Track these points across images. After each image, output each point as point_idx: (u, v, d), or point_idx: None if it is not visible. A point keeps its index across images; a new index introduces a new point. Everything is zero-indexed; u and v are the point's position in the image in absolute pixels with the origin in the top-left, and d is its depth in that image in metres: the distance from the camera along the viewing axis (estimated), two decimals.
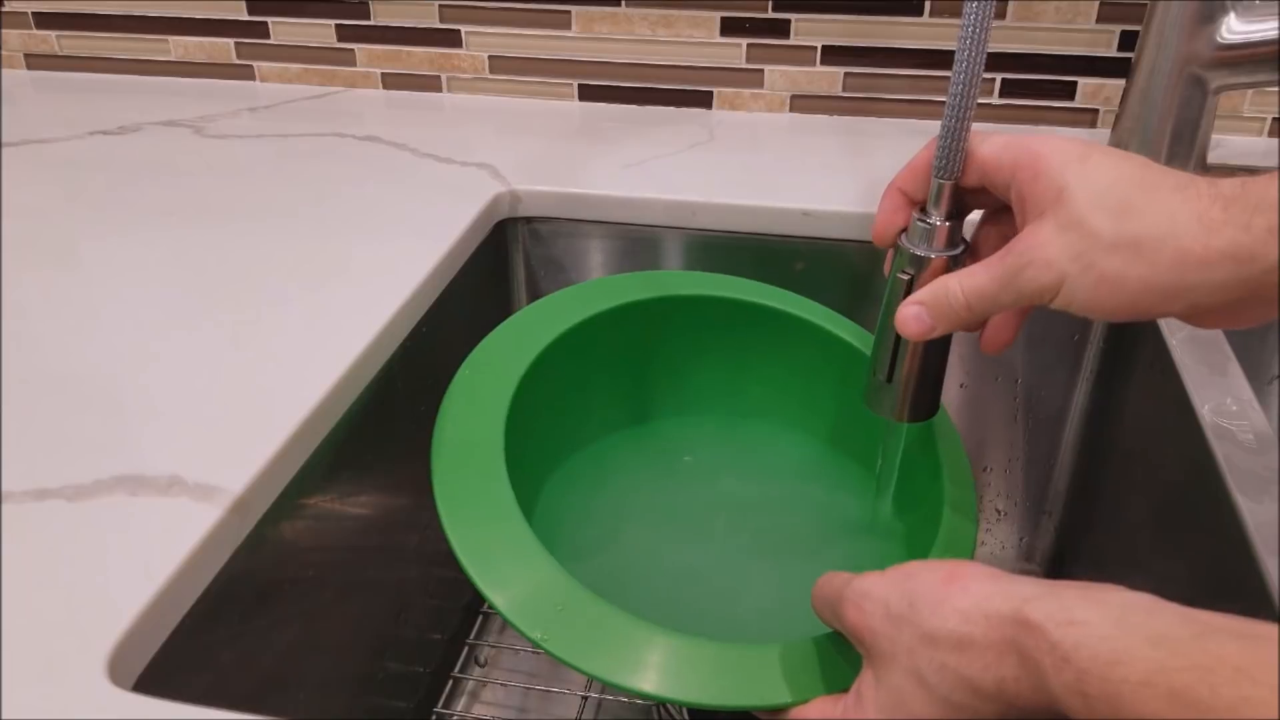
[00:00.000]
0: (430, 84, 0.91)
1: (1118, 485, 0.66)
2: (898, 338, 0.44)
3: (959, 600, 0.32)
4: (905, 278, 0.43)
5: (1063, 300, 0.38)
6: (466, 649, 0.73)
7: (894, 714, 0.34)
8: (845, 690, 0.38)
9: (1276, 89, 0.34)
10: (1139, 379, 0.64)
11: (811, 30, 0.82)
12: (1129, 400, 0.65)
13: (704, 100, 0.87)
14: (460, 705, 0.70)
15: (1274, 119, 0.79)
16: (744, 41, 0.83)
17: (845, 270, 0.68)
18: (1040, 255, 0.37)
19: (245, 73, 0.94)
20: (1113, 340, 0.69)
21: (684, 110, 0.87)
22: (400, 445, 0.58)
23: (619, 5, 0.83)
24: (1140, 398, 0.63)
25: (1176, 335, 0.58)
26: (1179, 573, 0.53)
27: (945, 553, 0.48)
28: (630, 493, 0.59)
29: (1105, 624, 0.27)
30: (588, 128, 0.83)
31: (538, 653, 0.72)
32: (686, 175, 0.73)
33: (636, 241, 0.72)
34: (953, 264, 0.43)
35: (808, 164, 0.75)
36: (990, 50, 0.78)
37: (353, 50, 0.91)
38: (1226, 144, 0.78)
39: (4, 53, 0.97)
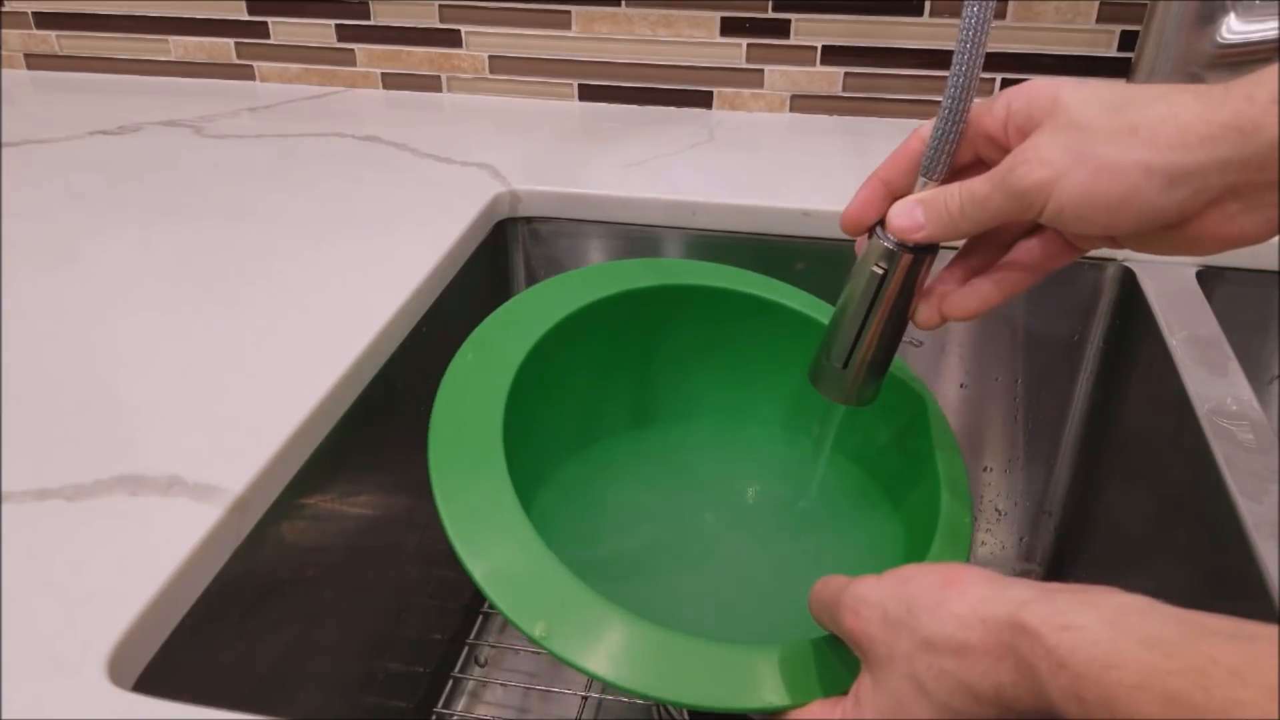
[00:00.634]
0: (430, 84, 0.91)
1: (1118, 485, 0.66)
2: (860, 327, 0.44)
3: (956, 605, 0.32)
4: (880, 272, 0.43)
5: (1056, 200, 0.36)
6: (466, 649, 0.73)
7: (893, 718, 0.34)
8: (843, 693, 0.38)
9: (1269, 95, 0.33)
10: (1139, 379, 0.64)
11: (811, 30, 0.82)
12: (1129, 400, 0.65)
13: (704, 100, 0.87)
14: (460, 705, 0.70)
15: None
16: (744, 41, 0.83)
17: (845, 270, 0.68)
18: (1033, 154, 0.36)
19: (245, 73, 0.94)
20: (1113, 340, 0.69)
21: (684, 110, 0.87)
22: (400, 445, 0.58)
23: (619, 5, 0.83)
24: (1140, 398, 0.63)
25: (1177, 335, 0.58)
26: (1179, 573, 0.53)
27: (942, 551, 0.48)
28: (629, 494, 0.59)
29: (1100, 627, 0.27)
30: (588, 128, 0.83)
31: (538, 653, 0.72)
32: (686, 175, 0.73)
33: (637, 241, 0.72)
34: (927, 262, 0.43)
35: (808, 164, 0.75)
36: (990, 50, 0.78)
37: (353, 50, 0.91)
38: None
39: (4, 53, 0.97)
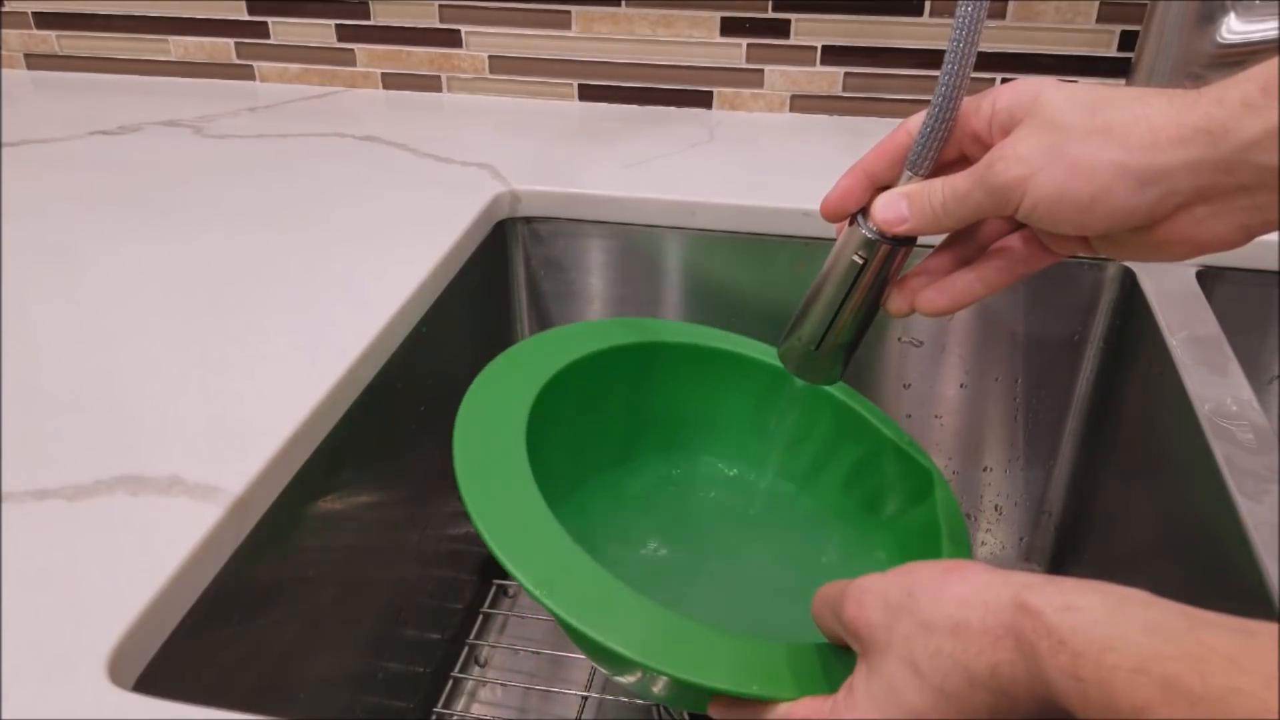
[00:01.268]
0: (430, 84, 0.91)
1: (1118, 485, 0.66)
2: (835, 312, 0.45)
3: (957, 587, 0.32)
4: (859, 261, 0.43)
5: (1031, 197, 0.36)
6: (466, 649, 0.73)
7: (885, 704, 0.34)
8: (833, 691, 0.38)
9: (1254, 92, 0.33)
10: (1139, 379, 0.64)
11: (811, 30, 0.82)
12: (1129, 400, 0.65)
13: (704, 100, 0.87)
14: (460, 705, 0.70)
15: None
16: (744, 41, 0.83)
17: None
18: (1011, 151, 0.37)
19: (245, 73, 0.94)
20: (1113, 340, 0.69)
21: (684, 110, 0.87)
22: (400, 445, 0.58)
23: (619, 5, 0.83)
24: (1140, 398, 0.63)
25: (1177, 335, 0.58)
26: (1179, 573, 0.53)
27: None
28: (622, 533, 0.60)
29: (1102, 610, 0.28)
30: (588, 128, 0.83)
31: (538, 653, 0.72)
32: (686, 175, 0.73)
33: (636, 241, 0.72)
34: (903, 253, 0.43)
35: (808, 164, 0.75)
36: (990, 50, 0.79)
37: (353, 50, 0.91)
38: None
39: (4, 53, 0.97)
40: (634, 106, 0.88)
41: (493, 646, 0.74)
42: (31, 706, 0.33)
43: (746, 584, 0.58)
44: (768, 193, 0.70)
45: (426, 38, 0.88)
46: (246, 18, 0.91)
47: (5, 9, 0.94)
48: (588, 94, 0.88)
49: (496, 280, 0.73)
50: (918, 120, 0.41)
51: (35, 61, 0.97)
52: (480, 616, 0.75)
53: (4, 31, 0.96)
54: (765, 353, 0.61)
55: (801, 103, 0.85)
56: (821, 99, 0.84)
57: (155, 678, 0.37)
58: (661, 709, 0.63)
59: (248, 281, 0.58)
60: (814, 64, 0.83)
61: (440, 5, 0.87)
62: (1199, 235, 0.36)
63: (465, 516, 0.43)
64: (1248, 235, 0.35)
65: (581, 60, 0.87)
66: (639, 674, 0.42)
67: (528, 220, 0.73)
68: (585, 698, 0.66)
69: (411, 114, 0.87)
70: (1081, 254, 0.41)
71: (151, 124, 0.84)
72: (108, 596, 0.37)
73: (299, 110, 0.87)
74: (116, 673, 0.35)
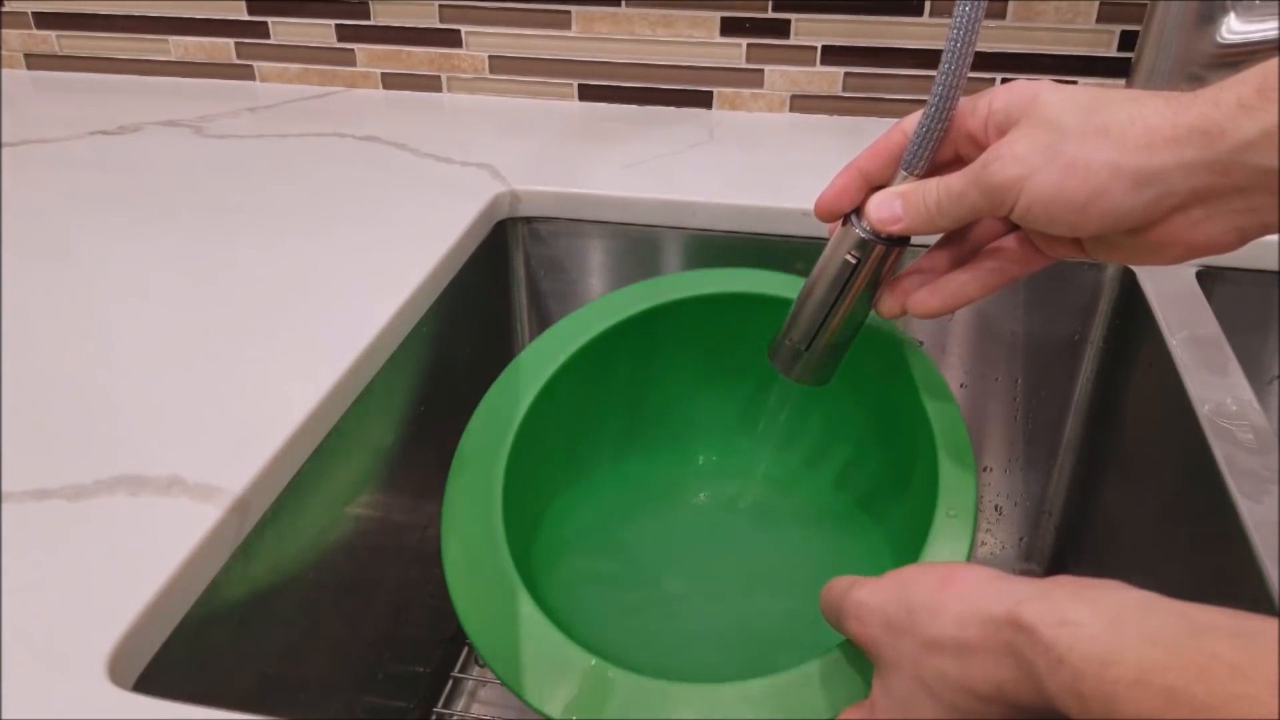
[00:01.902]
0: (430, 84, 0.91)
1: (1118, 485, 0.66)
2: (828, 312, 0.45)
3: (955, 606, 0.32)
4: (853, 260, 0.43)
5: (1026, 197, 0.36)
6: (466, 649, 0.73)
7: (904, 717, 0.34)
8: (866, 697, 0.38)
9: (1250, 93, 0.33)
10: (1139, 379, 0.64)
11: (811, 30, 0.82)
12: (1129, 400, 0.65)
13: (704, 100, 0.87)
14: (460, 705, 0.70)
15: None
16: (744, 41, 0.83)
17: None
18: (1007, 151, 0.37)
19: (245, 73, 0.94)
20: (1113, 340, 0.69)
21: (684, 110, 0.87)
22: (400, 445, 0.58)
23: (619, 5, 0.83)
24: (1140, 398, 0.63)
25: (1177, 335, 0.58)
26: (1179, 573, 0.53)
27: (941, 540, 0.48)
28: (634, 521, 0.60)
29: (1098, 624, 0.27)
30: (588, 128, 0.83)
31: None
32: (686, 175, 0.73)
33: (636, 241, 0.72)
34: (897, 253, 0.43)
35: (808, 164, 0.75)
36: (990, 50, 0.79)
37: (353, 50, 0.91)
38: None
39: (4, 53, 0.97)
40: (634, 106, 0.87)
41: None
42: (31, 706, 0.33)
43: (748, 577, 0.58)
44: (768, 193, 0.70)
45: (426, 38, 0.88)
46: (246, 18, 0.91)
47: (5, 9, 0.94)
48: (588, 94, 0.88)
49: (496, 280, 0.73)
50: (913, 120, 0.41)
51: (35, 61, 0.97)
52: None
53: (4, 31, 0.96)
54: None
55: (801, 103, 0.85)
56: (821, 99, 0.84)
57: (155, 678, 0.37)
58: None
59: (247, 281, 0.58)
60: (814, 64, 0.83)
61: (440, 5, 0.86)
62: (1194, 237, 0.36)
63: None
64: (1242, 238, 0.35)
65: (581, 60, 0.87)
66: None
67: (528, 220, 0.73)
68: None
69: (411, 114, 0.87)
70: (1074, 257, 0.41)
71: (151, 124, 0.84)
72: (108, 596, 0.37)
73: (299, 110, 0.87)
74: (116, 673, 0.35)
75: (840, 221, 0.44)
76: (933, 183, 0.40)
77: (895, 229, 0.41)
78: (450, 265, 0.62)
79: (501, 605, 0.44)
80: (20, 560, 0.39)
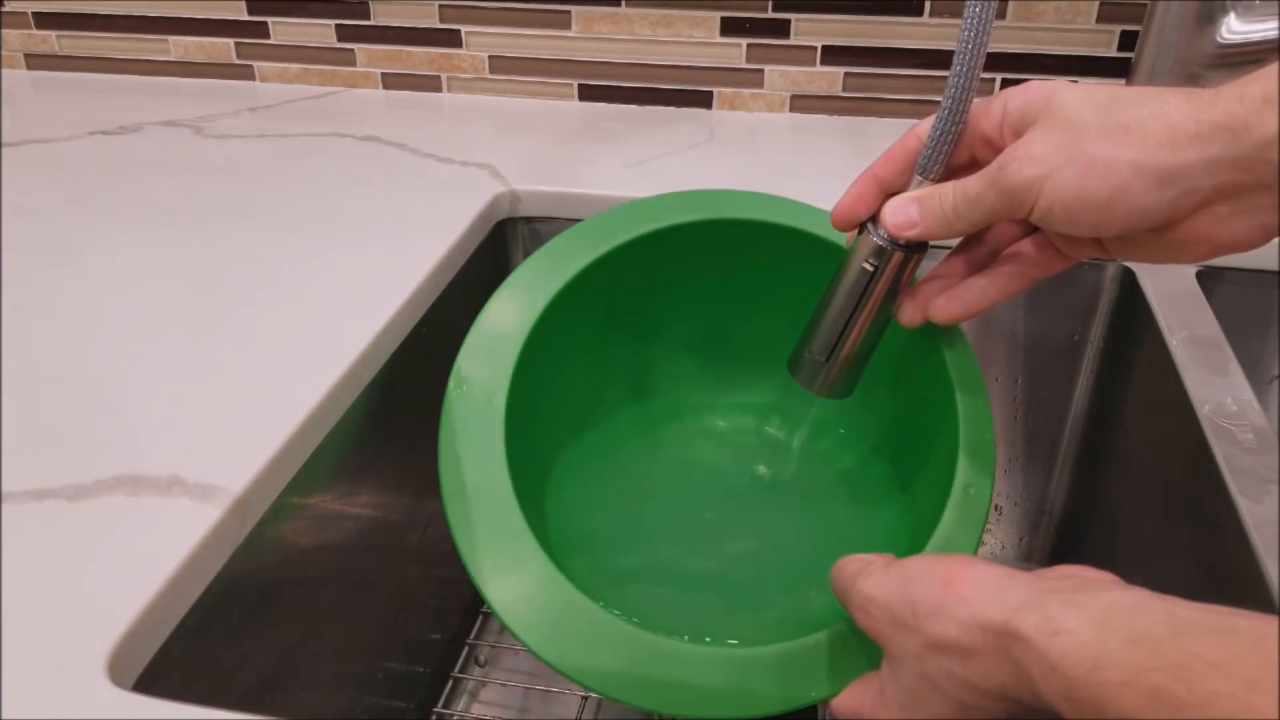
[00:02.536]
0: (430, 84, 0.91)
1: (1118, 485, 0.66)
2: (846, 322, 0.44)
3: (957, 610, 0.33)
4: (870, 268, 0.43)
5: (1046, 197, 0.36)
6: (466, 649, 0.73)
7: (911, 711, 0.35)
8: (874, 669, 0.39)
9: (1276, 89, 0.33)
10: (1139, 379, 0.64)
11: (811, 30, 0.82)
12: (1129, 400, 0.65)
13: (704, 100, 0.87)
14: (460, 705, 0.70)
15: None
16: (744, 41, 0.83)
17: None
18: (1025, 152, 0.36)
19: (245, 73, 0.94)
20: (1113, 340, 0.69)
21: (684, 110, 0.87)
22: (400, 445, 0.58)
23: (619, 5, 0.83)
24: (1140, 398, 0.63)
25: (1177, 335, 0.58)
26: (1179, 573, 0.53)
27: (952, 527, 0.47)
28: (638, 476, 0.58)
29: (1088, 630, 0.28)
30: (588, 128, 0.83)
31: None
32: (686, 175, 0.73)
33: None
34: (915, 260, 0.43)
35: (808, 164, 0.75)
36: (990, 50, 0.78)
37: (353, 50, 0.91)
38: None
39: (4, 53, 0.97)
40: (634, 106, 0.88)
41: (493, 646, 0.74)
42: (31, 706, 0.33)
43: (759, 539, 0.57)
44: (768, 193, 0.70)
45: (426, 38, 0.88)
46: (246, 18, 0.91)
47: (5, 9, 0.94)
48: (588, 94, 0.88)
49: (496, 280, 0.73)
50: (927, 125, 0.40)
51: (35, 61, 0.97)
52: (480, 616, 0.75)
53: (4, 31, 0.96)
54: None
55: (801, 103, 0.85)
56: (821, 99, 0.84)
57: (155, 678, 0.37)
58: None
59: (248, 281, 0.58)
60: (814, 64, 0.83)
61: (440, 5, 0.87)
62: (1218, 235, 0.35)
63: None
64: (1268, 235, 0.35)
65: (581, 60, 0.87)
66: None
67: (528, 220, 0.73)
68: (585, 698, 0.66)
69: (411, 114, 0.87)
70: (1096, 257, 0.40)
71: (151, 124, 0.84)
72: (108, 596, 0.37)
73: (299, 110, 0.87)
74: (116, 673, 0.35)
75: (857, 230, 0.44)
76: (949, 186, 0.39)
77: (912, 234, 0.41)
78: (450, 265, 0.62)
79: (511, 556, 0.43)
80: (20, 560, 0.39)
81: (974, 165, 0.41)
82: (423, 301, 0.59)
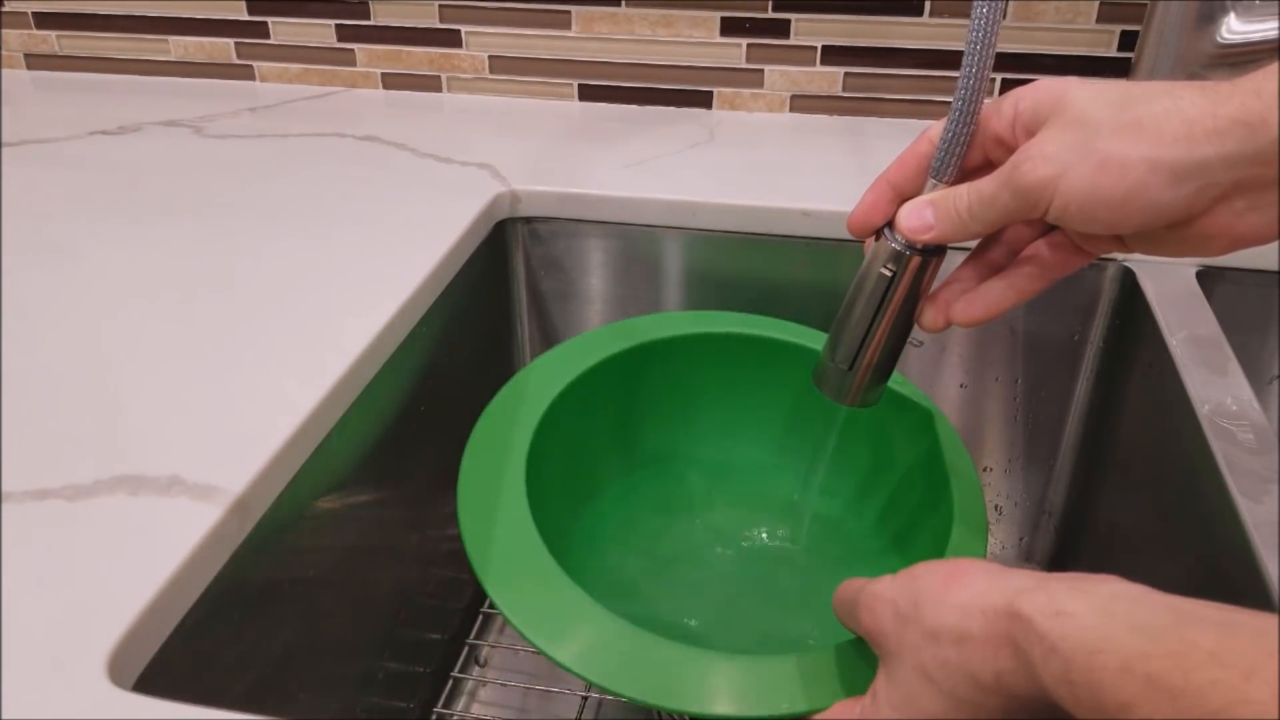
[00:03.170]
0: (430, 84, 0.91)
1: (1118, 485, 0.66)
2: (867, 329, 0.44)
3: (958, 595, 0.33)
4: (888, 274, 0.43)
5: (1061, 197, 0.35)
6: (466, 649, 0.73)
7: (905, 711, 0.34)
8: (864, 692, 0.38)
9: (1276, 89, 0.33)
10: (1139, 379, 0.64)
11: (811, 30, 0.82)
12: (1129, 400, 0.65)
13: (704, 100, 0.87)
14: (460, 705, 0.70)
15: None
16: (744, 41, 0.83)
17: (845, 270, 0.68)
18: (1037, 151, 0.36)
19: (245, 73, 0.94)
20: (1113, 340, 0.69)
21: (684, 110, 0.87)
22: (400, 445, 0.58)
23: (619, 5, 0.83)
24: (1140, 398, 0.63)
25: (1177, 335, 0.58)
26: (1179, 573, 0.53)
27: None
28: (631, 547, 0.60)
29: (1090, 614, 0.28)
30: (588, 128, 0.83)
31: (538, 653, 0.72)
32: (686, 175, 0.73)
33: (637, 241, 0.72)
34: (934, 264, 0.43)
35: (808, 164, 0.75)
36: None
37: (353, 50, 0.91)
38: None
39: (4, 53, 0.97)
40: (634, 106, 0.88)
41: (493, 646, 0.74)
42: (31, 706, 0.33)
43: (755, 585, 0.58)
44: (768, 193, 0.70)
45: (426, 38, 0.88)
46: (246, 18, 0.91)
47: (5, 9, 0.94)
48: (588, 94, 0.88)
49: (496, 280, 0.73)
50: (939, 128, 0.40)
51: (35, 61, 0.97)
52: (480, 616, 0.75)
53: (4, 31, 0.96)
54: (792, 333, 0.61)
55: (801, 103, 0.85)
56: (821, 99, 0.84)
57: (155, 678, 0.37)
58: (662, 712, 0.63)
59: (248, 281, 0.58)
60: (814, 64, 0.83)
61: (440, 5, 0.87)
62: (1237, 229, 0.35)
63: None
64: None
65: (581, 60, 0.87)
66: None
67: (528, 220, 0.73)
68: (585, 698, 0.66)
69: (411, 114, 0.87)
70: (1116, 252, 0.40)
71: (151, 124, 0.84)
72: (108, 596, 0.37)
73: (299, 110, 0.87)
74: (116, 673, 0.35)
75: (874, 237, 0.44)
76: (963, 188, 0.39)
77: (928, 238, 0.41)
78: (450, 265, 0.62)
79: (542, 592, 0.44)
80: (20, 560, 0.39)
81: (988, 166, 0.40)
82: (423, 301, 0.59)
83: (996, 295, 0.42)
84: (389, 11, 0.88)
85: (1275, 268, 0.65)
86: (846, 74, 0.83)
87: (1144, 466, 0.61)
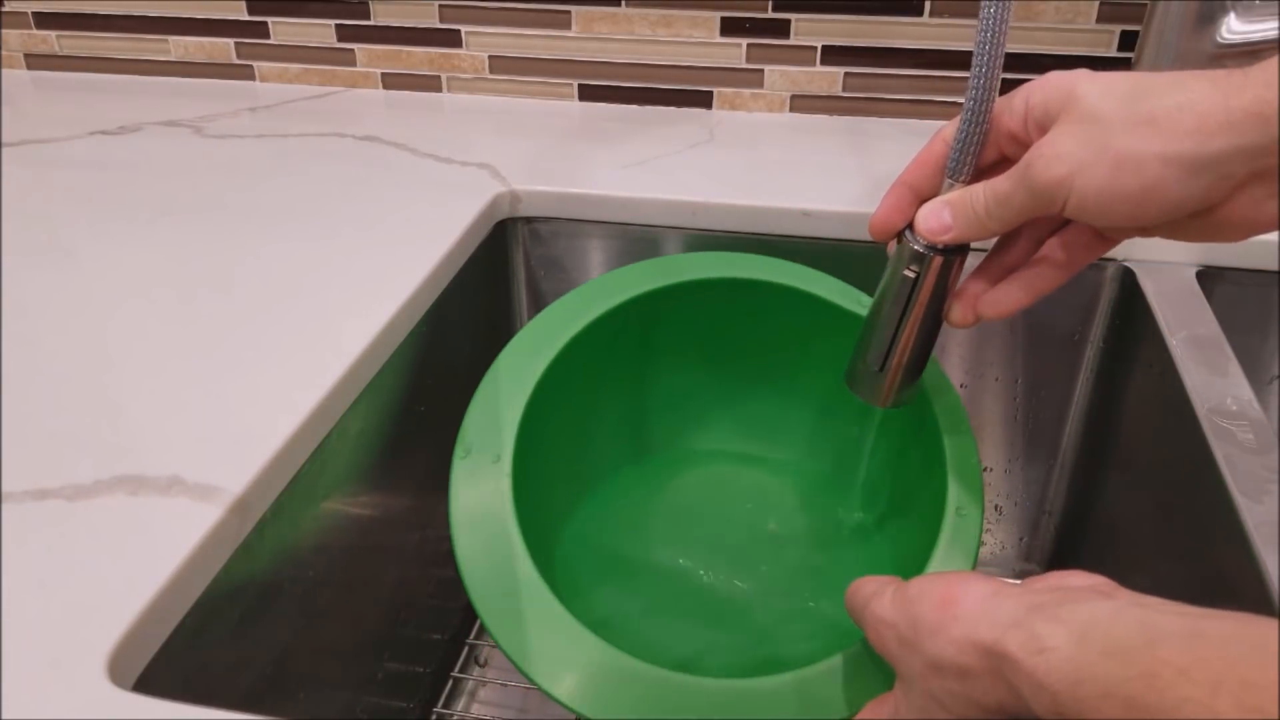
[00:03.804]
0: (430, 84, 0.91)
1: (1118, 485, 0.66)
2: (896, 329, 0.45)
3: (953, 629, 0.33)
4: (911, 275, 0.43)
5: (1077, 194, 0.36)
6: (466, 649, 0.73)
7: None
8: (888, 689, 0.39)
9: (1276, 89, 0.33)
10: (1139, 379, 0.64)
11: (811, 30, 0.82)
12: (1129, 400, 0.65)
13: (704, 100, 0.87)
14: (460, 705, 0.70)
15: None
16: (744, 41, 0.83)
17: (846, 270, 0.68)
18: (1050, 149, 0.36)
19: (245, 73, 0.94)
20: (1113, 340, 0.69)
21: (684, 110, 0.87)
22: (400, 445, 0.58)
23: (619, 5, 0.83)
24: (1140, 398, 0.63)
25: (1177, 335, 0.58)
26: (1179, 573, 0.53)
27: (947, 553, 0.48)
28: (641, 538, 0.60)
29: (1069, 645, 0.29)
30: (588, 128, 0.83)
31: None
32: (686, 175, 0.73)
33: (637, 241, 0.72)
34: (958, 263, 0.43)
35: (808, 164, 0.75)
36: None
37: (353, 50, 0.91)
38: None
39: (4, 53, 0.97)
40: (634, 106, 0.88)
41: (493, 646, 0.74)
42: (31, 706, 0.33)
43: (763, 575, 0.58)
44: (768, 193, 0.70)
45: (426, 38, 0.88)
46: (246, 18, 0.91)
47: (5, 9, 0.94)
48: (588, 94, 0.88)
49: (496, 280, 0.73)
50: (952, 128, 0.41)
51: (35, 61, 0.97)
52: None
53: (4, 31, 0.96)
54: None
55: (801, 103, 0.85)
56: (821, 99, 0.84)
57: (155, 678, 0.37)
58: None
59: (248, 282, 0.58)
60: (814, 64, 0.83)
61: (440, 5, 0.87)
62: (1256, 216, 0.35)
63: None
64: None
65: (581, 60, 0.87)
66: None
67: (528, 220, 0.73)
68: None
69: (411, 114, 0.87)
70: (1140, 237, 0.40)
71: (151, 124, 0.84)
72: (108, 596, 0.37)
73: (299, 110, 0.87)
74: (116, 673, 0.35)
75: (896, 239, 0.44)
76: (979, 187, 0.40)
77: (947, 238, 0.41)
78: (450, 265, 0.62)
79: (521, 602, 0.44)
80: (20, 560, 0.39)
81: (1004, 162, 0.41)
82: (423, 301, 0.59)
83: (1023, 287, 0.43)
84: (389, 11, 0.88)
85: (1275, 268, 0.65)
86: (846, 74, 0.83)
87: (1144, 467, 0.61)
